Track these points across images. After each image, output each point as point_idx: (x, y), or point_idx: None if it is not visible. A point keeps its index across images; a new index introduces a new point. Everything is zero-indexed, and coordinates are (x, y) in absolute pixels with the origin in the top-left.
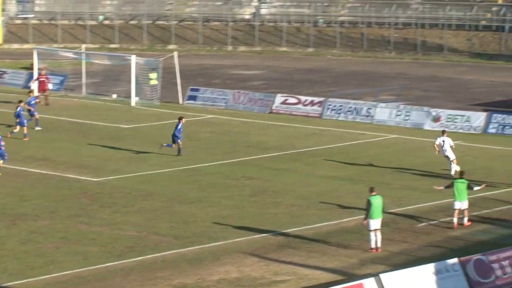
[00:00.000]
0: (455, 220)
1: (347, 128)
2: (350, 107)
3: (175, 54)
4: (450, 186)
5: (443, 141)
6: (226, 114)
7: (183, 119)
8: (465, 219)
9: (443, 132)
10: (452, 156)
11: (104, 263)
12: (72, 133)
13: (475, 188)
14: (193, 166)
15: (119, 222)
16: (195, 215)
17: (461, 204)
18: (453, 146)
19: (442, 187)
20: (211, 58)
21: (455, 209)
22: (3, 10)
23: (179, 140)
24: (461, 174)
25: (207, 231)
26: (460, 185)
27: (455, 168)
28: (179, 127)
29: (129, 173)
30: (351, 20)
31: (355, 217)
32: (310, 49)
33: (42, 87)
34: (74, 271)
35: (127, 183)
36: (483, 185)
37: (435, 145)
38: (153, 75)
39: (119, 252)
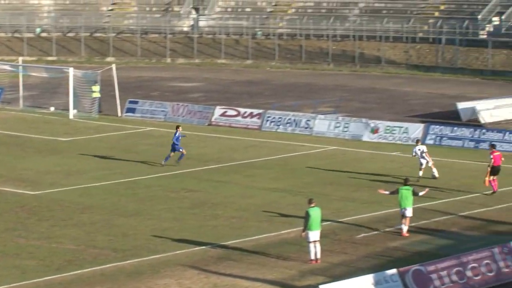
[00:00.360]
0: (404, 228)
1: (287, 140)
2: (289, 119)
3: (113, 66)
4: (395, 192)
5: (419, 149)
6: (165, 127)
7: (180, 128)
8: (405, 228)
9: (417, 141)
10: (430, 161)
11: (43, 276)
12: (9, 146)
13: (420, 194)
14: (132, 179)
15: (58, 235)
16: (134, 228)
17: (406, 211)
18: (426, 153)
19: (387, 192)
20: (150, 71)
21: (406, 216)
22: None
23: (181, 149)
24: (405, 181)
25: (146, 244)
26: (405, 192)
27: (435, 171)
28: (177, 135)
29: (68, 186)
30: (290, 32)
31: (295, 229)
32: (249, 61)
33: None
34: (12, 285)
35: (66, 196)
36: (427, 190)
37: (413, 156)
38: (96, 88)
39: (58, 265)
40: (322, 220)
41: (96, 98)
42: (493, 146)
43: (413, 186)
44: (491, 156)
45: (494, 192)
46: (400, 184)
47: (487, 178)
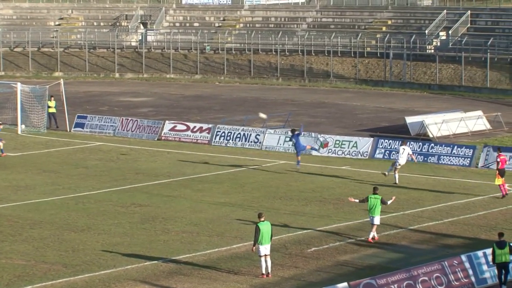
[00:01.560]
0: (372, 234)
1: (236, 154)
2: (239, 134)
3: (61, 81)
4: (365, 200)
5: (404, 149)
6: (115, 141)
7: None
8: (375, 234)
9: (404, 142)
10: (402, 162)
11: None
12: None
13: (388, 202)
14: (82, 194)
15: (7, 251)
16: (85, 242)
17: (375, 219)
18: (411, 155)
19: (356, 200)
20: (98, 85)
21: (374, 224)
22: None
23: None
24: (374, 190)
25: (96, 259)
26: (374, 200)
27: (397, 176)
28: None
29: (17, 201)
30: (238, 47)
31: (245, 243)
32: (198, 76)
33: None
34: None
35: (14, 211)
36: (394, 198)
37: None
38: (52, 103)
39: (7, 281)
40: (273, 234)
41: (52, 114)
42: (499, 150)
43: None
44: (498, 160)
45: (504, 196)
46: (356, 198)
47: (497, 181)
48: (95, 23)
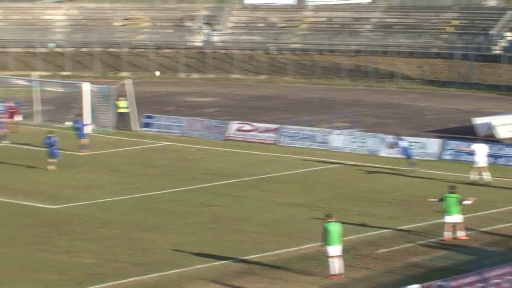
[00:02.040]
0: (446, 234)
1: (303, 154)
2: (306, 134)
3: (129, 81)
4: (442, 200)
5: (479, 148)
6: (182, 141)
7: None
8: (460, 233)
9: (479, 140)
10: (481, 163)
11: None
12: (27, 160)
13: (465, 203)
14: (150, 193)
15: (78, 249)
16: (154, 242)
17: (451, 218)
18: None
19: (435, 200)
20: (164, 85)
21: (446, 223)
22: None
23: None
24: (451, 189)
25: (166, 258)
26: (450, 200)
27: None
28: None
29: (86, 200)
30: (303, 47)
31: (314, 244)
32: (263, 76)
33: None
34: None
35: (85, 210)
36: (474, 199)
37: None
38: (123, 103)
39: (79, 279)
40: (343, 235)
41: (123, 114)
42: None
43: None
44: None
45: None
46: (421, 199)
47: None
48: (160, 24)
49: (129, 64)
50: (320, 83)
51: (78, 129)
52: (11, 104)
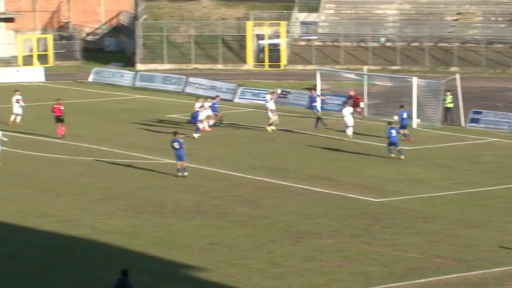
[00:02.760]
0: None
1: None
2: None
3: (457, 76)
4: None
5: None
6: (510, 138)
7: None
8: None
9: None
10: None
11: (386, 283)
12: (353, 154)
13: None
14: (476, 190)
15: (401, 243)
16: (479, 239)
17: None
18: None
19: None
20: (494, 81)
21: None
22: (288, 32)
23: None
24: None
25: (490, 256)
26: None
27: None
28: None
29: (410, 194)
30: None
31: None
32: None
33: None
34: None
35: (409, 204)
36: None
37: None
38: (449, 98)
39: (401, 273)
40: None
41: (448, 108)
42: None
43: None
44: None
45: None
46: None
47: None
48: (492, 18)
49: (459, 59)
50: None
51: (402, 120)
52: (353, 93)
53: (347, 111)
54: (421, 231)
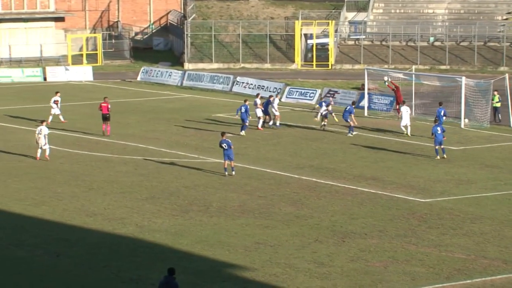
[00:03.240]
0: None
1: None
2: None
3: (506, 76)
4: None
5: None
6: None
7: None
8: None
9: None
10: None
11: (432, 284)
12: (399, 154)
13: None
14: None
15: (447, 244)
16: None
17: None
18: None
19: None
20: None
21: None
22: (336, 31)
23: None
24: None
25: None
26: None
27: None
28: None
29: (458, 195)
30: None
31: None
32: None
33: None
34: None
35: (456, 205)
36: None
37: None
38: (496, 98)
39: (447, 274)
40: None
41: (496, 108)
42: None
43: None
44: None
45: None
46: None
47: None
48: None
49: (508, 58)
50: None
51: (438, 117)
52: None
53: (405, 109)
54: (468, 231)
